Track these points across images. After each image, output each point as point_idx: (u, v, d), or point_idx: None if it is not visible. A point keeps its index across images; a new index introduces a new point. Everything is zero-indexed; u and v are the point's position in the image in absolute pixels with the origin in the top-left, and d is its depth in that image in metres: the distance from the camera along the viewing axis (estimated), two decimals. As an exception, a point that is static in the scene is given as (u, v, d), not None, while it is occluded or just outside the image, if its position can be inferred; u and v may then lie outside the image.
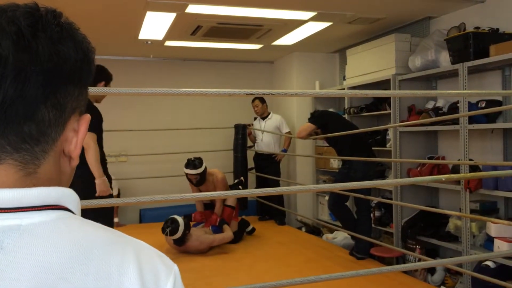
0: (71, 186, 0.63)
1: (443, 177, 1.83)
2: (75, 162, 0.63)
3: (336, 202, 4.28)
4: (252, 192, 1.98)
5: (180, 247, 4.52)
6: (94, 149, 3.19)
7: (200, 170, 4.72)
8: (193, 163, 4.73)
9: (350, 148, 4.23)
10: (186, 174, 4.80)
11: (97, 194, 3.15)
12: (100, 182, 3.18)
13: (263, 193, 2.28)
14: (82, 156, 3.09)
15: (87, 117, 0.63)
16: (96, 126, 3.29)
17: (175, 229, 4.34)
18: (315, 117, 4.41)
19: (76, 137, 0.61)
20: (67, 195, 0.59)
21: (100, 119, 3.38)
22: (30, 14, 0.57)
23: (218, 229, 4.73)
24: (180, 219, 4.39)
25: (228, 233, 4.68)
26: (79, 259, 0.53)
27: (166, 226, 4.37)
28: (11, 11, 0.56)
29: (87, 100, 0.64)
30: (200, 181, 4.80)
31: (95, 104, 3.41)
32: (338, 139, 4.28)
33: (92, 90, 1.86)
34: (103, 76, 3.46)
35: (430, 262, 3.19)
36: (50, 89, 0.56)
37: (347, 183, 2.14)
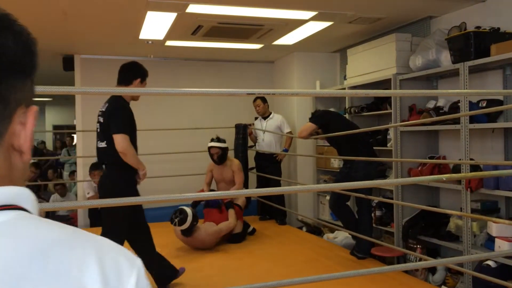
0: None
1: (443, 176, 1.83)
2: (27, 156, 0.60)
3: (337, 202, 4.27)
4: (253, 191, 1.98)
5: (187, 239, 4.55)
6: (130, 151, 3.16)
7: (224, 145, 5.09)
8: (217, 138, 5.10)
9: (351, 148, 4.22)
10: (209, 149, 5.11)
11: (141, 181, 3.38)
12: (144, 173, 3.38)
13: (264, 193, 2.29)
14: (123, 161, 3.15)
15: (34, 108, 0.61)
16: (128, 127, 3.18)
17: (183, 219, 4.38)
18: (316, 117, 4.40)
19: (24, 130, 0.59)
20: (23, 194, 0.57)
21: (131, 119, 3.28)
22: None
23: (229, 204, 4.90)
24: (188, 210, 4.44)
25: (232, 220, 4.78)
26: (37, 257, 0.51)
27: (174, 216, 4.43)
28: None
29: (33, 92, 0.62)
30: (221, 158, 5.09)
31: (131, 102, 3.37)
32: (339, 139, 4.27)
33: (99, 90, 1.85)
34: (139, 73, 3.42)
35: (431, 262, 3.19)
36: None
37: (348, 183, 2.13)
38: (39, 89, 1.58)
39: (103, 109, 3.26)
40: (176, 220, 4.38)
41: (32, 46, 0.62)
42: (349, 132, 4.02)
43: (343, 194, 4.16)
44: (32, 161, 6.98)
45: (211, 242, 4.60)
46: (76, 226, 6.10)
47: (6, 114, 0.57)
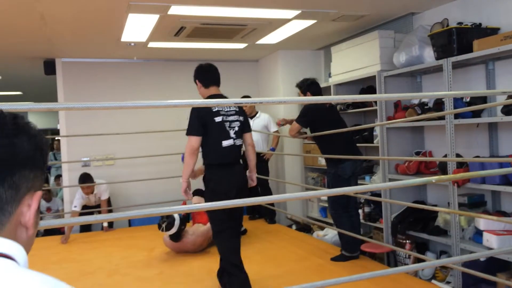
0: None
1: (433, 178, 1.84)
2: (31, 231, 0.76)
3: (334, 205, 4.22)
4: (243, 201, 1.96)
5: (176, 244, 4.50)
6: (187, 154, 3.22)
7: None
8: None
9: (336, 147, 4.15)
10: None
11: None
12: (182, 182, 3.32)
13: (255, 202, 2.27)
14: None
15: (39, 193, 0.77)
16: (198, 128, 3.20)
17: (170, 223, 4.30)
18: (300, 117, 4.34)
19: (29, 211, 0.75)
20: (17, 248, 0.72)
21: (202, 119, 3.21)
22: None
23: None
24: (176, 215, 4.34)
25: None
26: None
27: (162, 221, 4.34)
28: None
29: (43, 179, 0.79)
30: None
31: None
32: (323, 138, 4.24)
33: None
34: (196, 75, 3.46)
35: (431, 263, 3.23)
36: (6, 173, 0.72)
37: (339, 189, 2.13)
38: (24, 106, 1.54)
39: (235, 108, 3.37)
40: (164, 225, 4.31)
41: (44, 146, 0.79)
42: (328, 132, 3.99)
43: (338, 198, 4.14)
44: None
45: (201, 243, 4.57)
46: (61, 231, 6.02)
47: (17, 199, 0.74)
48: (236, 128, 3.31)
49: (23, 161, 0.74)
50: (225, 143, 3.24)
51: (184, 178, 3.28)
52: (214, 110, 3.24)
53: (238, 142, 3.34)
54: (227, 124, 3.27)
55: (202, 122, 3.19)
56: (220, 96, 3.40)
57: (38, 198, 0.77)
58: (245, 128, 3.41)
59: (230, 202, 2.02)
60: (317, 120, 4.24)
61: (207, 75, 3.42)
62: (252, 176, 3.55)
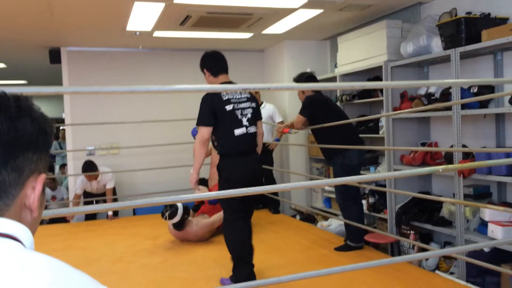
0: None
1: (440, 167, 1.83)
2: (35, 213, 0.76)
3: (346, 198, 4.17)
4: (249, 190, 1.96)
5: (179, 232, 4.52)
6: (197, 144, 3.22)
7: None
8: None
9: (340, 137, 4.12)
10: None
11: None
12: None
13: (261, 191, 2.27)
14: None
15: (43, 176, 0.77)
16: (209, 118, 3.16)
17: (174, 212, 4.32)
18: (303, 109, 4.34)
19: (34, 193, 0.75)
20: (23, 230, 0.73)
21: (212, 108, 3.17)
22: None
23: (215, 201, 4.71)
24: (179, 204, 4.36)
25: None
26: None
27: (165, 210, 4.36)
28: None
29: (47, 162, 0.79)
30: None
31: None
32: (324, 131, 4.22)
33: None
34: (202, 64, 3.40)
35: (434, 252, 3.22)
36: (9, 157, 0.72)
37: (346, 178, 2.12)
38: (28, 89, 1.54)
39: (247, 95, 3.32)
40: (167, 213, 4.33)
41: (47, 128, 0.78)
42: (329, 124, 4.02)
43: (348, 187, 4.12)
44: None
45: (204, 234, 4.58)
46: (66, 220, 6.06)
47: (21, 181, 0.74)
48: (249, 115, 3.26)
49: (26, 144, 0.73)
50: (237, 131, 3.20)
51: (194, 169, 3.26)
52: (224, 98, 3.18)
53: (252, 129, 3.28)
54: (238, 112, 3.22)
55: (213, 112, 3.15)
56: (231, 83, 3.32)
57: (43, 181, 0.77)
58: (257, 115, 3.38)
59: (235, 191, 2.02)
60: (319, 111, 4.26)
61: (215, 62, 3.34)
62: None
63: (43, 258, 0.68)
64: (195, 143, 3.24)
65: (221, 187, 3.25)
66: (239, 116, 3.22)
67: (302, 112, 4.30)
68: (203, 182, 4.88)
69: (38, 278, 0.64)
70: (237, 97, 3.25)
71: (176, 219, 4.35)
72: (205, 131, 3.16)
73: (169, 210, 4.33)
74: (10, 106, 0.73)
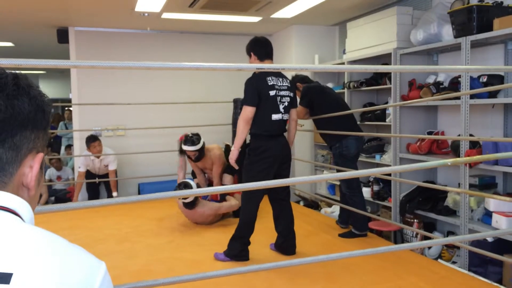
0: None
1: (449, 161, 1.82)
2: (32, 192, 0.77)
3: (353, 187, 4.19)
4: (256, 185, 1.97)
5: (189, 211, 4.59)
6: (241, 122, 3.40)
7: (198, 147, 4.72)
8: (191, 139, 4.72)
9: (338, 125, 4.20)
10: (185, 151, 4.79)
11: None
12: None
13: (268, 186, 2.29)
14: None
15: (41, 155, 0.77)
16: (255, 99, 3.37)
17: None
18: (301, 99, 4.39)
19: (31, 172, 0.76)
20: (22, 204, 0.73)
21: (258, 90, 3.38)
22: None
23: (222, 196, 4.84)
24: (193, 183, 4.51)
25: (234, 201, 4.76)
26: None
27: (179, 189, 4.44)
28: None
29: (46, 140, 0.79)
30: (198, 157, 4.82)
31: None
32: (323, 120, 4.33)
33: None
34: (250, 48, 3.55)
35: (438, 241, 3.23)
36: (6, 134, 0.72)
37: (352, 172, 2.13)
38: (32, 62, 1.54)
39: (287, 84, 3.52)
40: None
41: (45, 106, 0.78)
42: (331, 115, 4.16)
43: (353, 178, 4.15)
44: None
45: (209, 217, 4.62)
46: (71, 200, 6.11)
47: (18, 159, 0.74)
48: (286, 103, 3.49)
49: (24, 122, 0.74)
50: (275, 116, 3.44)
51: (235, 147, 3.48)
52: (269, 83, 3.41)
53: (286, 117, 3.53)
54: (278, 98, 3.44)
55: (258, 93, 3.36)
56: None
57: (40, 159, 0.77)
58: (293, 103, 3.60)
59: (237, 186, 2.05)
60: (315, 100, 4.34)
61: (263, 48, 3.52)
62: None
63: (42, 232, 0.68)
64: (239, 121, 3.43)
65: (251, 164, 3.47)
66: (278, 103, 3.44)
67: (301, 102, 4.36)
68: (228, 170, 4.94)
69: (38, 250, 0.65)
70: (280, 84, 3.47)
71: (190, 198, 4.41)
72: (250, 110, 3.38)
73: (183, 189, 4.39)
74: (7, 84, 0.73)
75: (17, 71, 0.79)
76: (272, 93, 3.40)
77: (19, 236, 0.66)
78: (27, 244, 0.65)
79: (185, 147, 4.74)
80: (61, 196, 6.82)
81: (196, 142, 4.71)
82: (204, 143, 4.82)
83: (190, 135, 4.77)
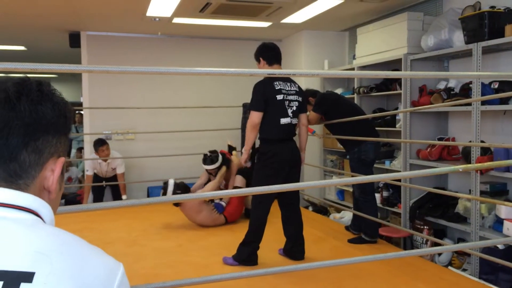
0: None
1: (460, 167, 1.81)
2: (53, 195, 0.79)
3: (367, 193, 4.17)
4: (265, 189, 1.98)
5: (186, 210, 4.71)
6: (248, 128, 3.44)
7: (217, 164, 5.01)
8: (209, 158, 5.01)
9: (356, 132, 4.17)
10: (206, 169, 5.10)
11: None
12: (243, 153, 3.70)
13: (278, 190, 2.29)
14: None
15: (62, 159, 0.79)
16: (261, 104, 3.40)
17: (165, 189, 4.71)
18: (316, 105, 4.39)
19: (53, 175, 0.78)
20: (44, 206, 0.76)
21: (265, 96, 3.41)
22: (19, 83, 0.76)
23: (219, 206, 4.85)
24: (171, 180, 4.77)
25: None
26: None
27: (162, 188, 4.78)
28: (4, 82, 0.76)
29: (66, 145, 0.82)
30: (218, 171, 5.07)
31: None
32: (339, 126, 4.31)
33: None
34: (259, 54, 3.60)
35: (448, 247, 3.21)
36: (29, 138, 0.74)
37: (362, 177, 2.13)
38: (48, 66, 1.56)
39: (295, 89, 3.55)
40: (161, 192, 4.74)
41: (67, 112, 0.81)
42: (344, 120, 4.16)
43: (367, 183, 4.12)
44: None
45: (198, 208, 4.65)
46: (82, 203, 6.15)
47: (40, 163, 0.76)
48: (294, 108, 3.50)
49: (47, 127, 0.76)
50: (283, 120, 3.45)
51: (246, 149, 3.59)
52: (277, 88, 3.42)
53: (294, 121, 3.54)
54: (286, 102, 3.45)
55: (264, 99, 3.38)
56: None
57: (62, 164, 0.79)
58: (302, 108, 3.61)
59: (244, 190, 2.04)
60: (330, 109, 4.35)
61: (271, 53, 3.56)
62: (302, 155, 3.70)
63: (63, 233, 0.70)
64: (247, 127, 3.47)
65: (260, 169, 3.51)
66: (286, 107, 3.45)
67: (315, 109, 4.37)
68: (241, 172, 5.04)
69: (60, 250, 0.66)
70: (287, 88, 3.48)
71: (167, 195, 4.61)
72: (256, 116, 3.39)
73: (163, 188, 4.74)
74: (32, 90, 0.76)
75: (29, 75, 0.81)
76: (279, 97, 3.41)
77: (41, 236, 0.68)
78: (48, 244, 0.67)
79: (206, 167, 5.03)
80: (71, 199, 6.87)
81: (215, 160, 5.01)
82: (222, 159, 5.07)
83: (209, 154, 5.05)
